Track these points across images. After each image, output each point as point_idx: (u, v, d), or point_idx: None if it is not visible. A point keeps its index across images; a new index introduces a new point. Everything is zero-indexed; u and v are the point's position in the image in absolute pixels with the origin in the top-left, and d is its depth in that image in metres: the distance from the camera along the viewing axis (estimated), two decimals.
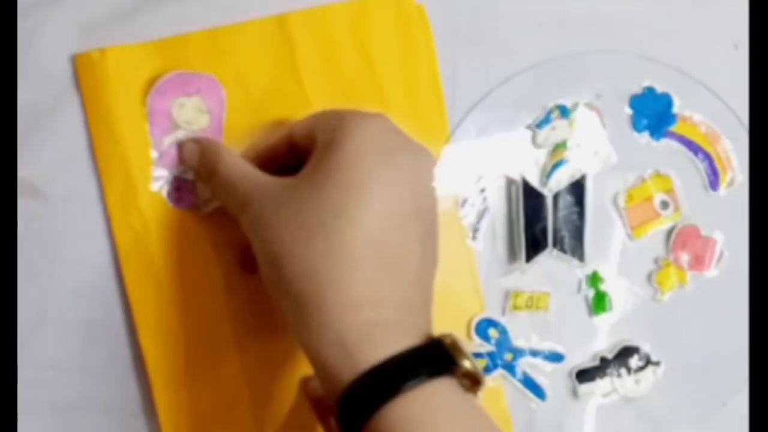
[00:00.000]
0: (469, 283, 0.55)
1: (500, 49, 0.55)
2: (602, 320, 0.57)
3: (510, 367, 0.56)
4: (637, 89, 0.57)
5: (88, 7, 0.50)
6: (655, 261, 0.58)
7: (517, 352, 0.56)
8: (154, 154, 0.51)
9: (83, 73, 0.50)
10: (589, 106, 0.56)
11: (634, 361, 0.57)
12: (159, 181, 0.51)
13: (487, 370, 0.56)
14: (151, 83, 0.51)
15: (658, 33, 0.57)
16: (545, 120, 0.56)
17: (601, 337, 0.57)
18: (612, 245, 0.57)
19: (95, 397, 0.51)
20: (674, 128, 0.57)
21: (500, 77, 0.55)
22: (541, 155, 0.56)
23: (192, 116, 0.51)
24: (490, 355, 0.56)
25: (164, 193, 0.51)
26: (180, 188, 0.51)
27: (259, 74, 0.52)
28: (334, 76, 0.53)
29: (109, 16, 0.51)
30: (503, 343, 0.56)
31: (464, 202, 0.55)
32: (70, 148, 0.51)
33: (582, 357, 0.57)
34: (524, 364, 0.56)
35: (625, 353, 0.57)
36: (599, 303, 0.57)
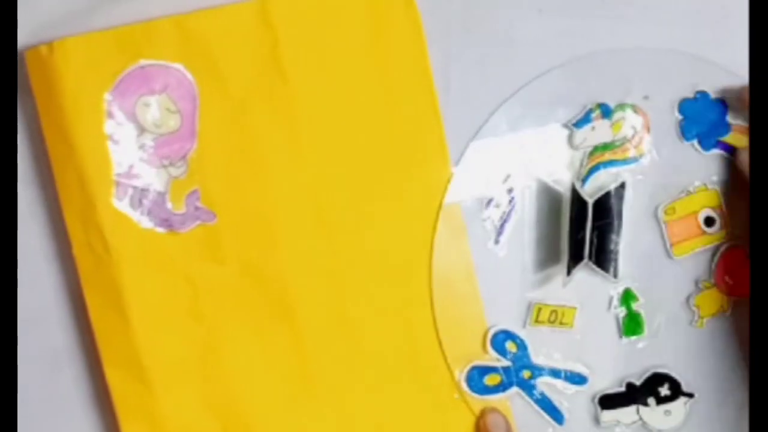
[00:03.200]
0: (467, 289, 0.51)
1: (497, 38, 0.50)
2: (632, 343, 0.52)
3: (527, 386, 0.52)
4: (689, 93, 0.52)
5: (40, 5, 0.45)
6: (696, 282, 0.52)
7: (536, 370, 0.52)
8: (116, 162, 0.45)
9: (33, 72, 0.45)
10: (634, 107, 0.51)
11: (664, 390, 0.52)
12: (122, 195, 0.46)
13: (502, 387, 0.51)
14: (110, 79, 0.45)
15: (712, 32, 0.52)
16: (584, 119, 0.51)
17: (630, 361, 0.52)
18: (649, 262, 0.52)
19: (58, 429, 0.48)
20: (727, 138, 0.52)
21: (497, 68, 0.50)
22: (577, 157, 0.51)
23: (159, 117, 0.46)
24: (506, 370, 0.51)
25: (128, 209, 0.46)
26: (148, 202, 0.46)
27: (237, 68, 0.46)
28: (319, 71, 0.47)
29: (63, 14, 0.45)
30: (521, 358, 0.51)
31: (488, 202, 0.51)
32: (26, 157, 0.46)
33: (607, 381, 0.52)
34: (543, 383, 0.52)
35: (654, 381, 0.52)
36: (630, 324, 0.52)
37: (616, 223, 0.51)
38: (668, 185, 0.52)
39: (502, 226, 0.51)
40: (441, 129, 0.49)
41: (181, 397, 0.48)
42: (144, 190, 0.46)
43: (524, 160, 0.51)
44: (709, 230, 0.52)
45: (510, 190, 0.51)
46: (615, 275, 0.51)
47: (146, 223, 0.46)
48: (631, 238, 0.52)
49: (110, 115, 0.45)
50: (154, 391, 0.47)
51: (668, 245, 0.52)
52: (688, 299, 0.52)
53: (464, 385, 0.51)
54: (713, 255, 0.52)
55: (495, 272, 0.51)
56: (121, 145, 0.46)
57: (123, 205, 0.46)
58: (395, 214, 0.49)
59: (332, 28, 0.48)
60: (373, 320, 0.50)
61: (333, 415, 0.50)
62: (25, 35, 0.45)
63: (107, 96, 0.45)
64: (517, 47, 0.50)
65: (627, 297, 0.52)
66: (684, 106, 0.52)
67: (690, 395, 0.53)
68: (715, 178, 0.52)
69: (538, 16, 0.51)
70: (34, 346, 0.47)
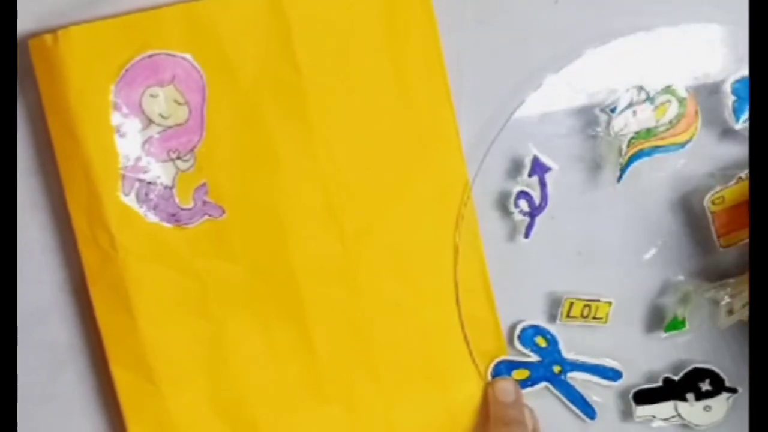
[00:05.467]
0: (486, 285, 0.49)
1: (512, 30, 0.47)
2: (670, 338, 0.50)
3: (557, 380, 0.50)
4: (742, 73, 0.47)
5: None
6: (743, 274, 0.49)
7: (567, 365, 0.50)
8: (122, 155, 0.44)
9: (38, 62, 0.43)
10: (681, 89, 0.47)
11: (705, 386, 0.50)
12: (128, 189, 0.44)
13: (530, 382, 0.50)
14: (117, 70, 0.43)
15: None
16: (626, 104, 0.47)
17: (665, 356, 0.50)
18: (694, 253, 0.49)
19: (62, 429, 0.48)
20: None
21: (512, 60, 0.47)
22: (616, 144, 0.48)
23: (167, 109, 0.44)
24: (534, 366, 0.49)
25: (135, 203, 0.44)
26: (155, 196, 0.45)
27: (247, 59, 0.44)
28: (332, 63, 0.45)
29: (68, 1, 0.43)
30: (552, 353, 0.50)
31: (518, 194, 0.48)
32: (30, 149, 0.45)
33: (643, 377, 0.50)
34: (573, 378, 0.50)
35: (694, 376, 0.50)
36: (673, 318, 0.50)
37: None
38: (716, 172, 0.48)
39: (533, 218, 0.48)
40: (454, 122, 0.47)
41: (188, 395, 0.47)
42: (151, 184, 0.45)
43: (557, 148, 0.48)
44: None
45: (542, 180, 0.48)
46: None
47: (153, 217, 0.45)
48: (677, 229, 0.49)
49: (116, 106, 0.44)
50: (161, 390, 0.47)
51: (715, 236, 0.48)
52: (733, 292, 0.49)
53: (491, 380, 0.50)
54: None
55: (525, 267, 0.49)
56: (127, 138, 0.44)
57: (129, 200, 0.44)
58: (407, 208, 0.47)
59: (345, 19, 0.45)
60: (383, 318, 0.48)
61: (342, 414, 0.49)
62: (29, 23, 0.44)
63: (113, 87, 0.43)
64: (532, 39, 0.47)
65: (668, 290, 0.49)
66: (738, 86, 0.47)
67: (734, 390, 0.50)
68: None
69: (553, 7, 0.47)
70: (37, 343, 0.47)
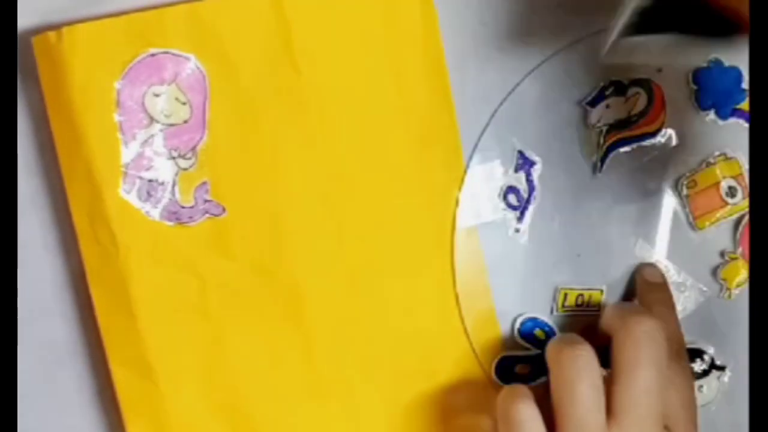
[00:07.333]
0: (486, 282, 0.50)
1: (515, 33, 0.49)
2: None
3: None
4: (702, 62, 0.51)
5: None
6: (721, 254, 0.51)
7: None
8: (124, 153, 0.44)
9: (41, 60, 0.43)
10: (648, 81, 0.50)
11: (696, 366, 0.52)
12: (130, 186, 0.44)
13: (531, 377, 0.50)
14: (120, 68, 0.43)
15: None
16: (598, 97, 0.50)
17: None
18: (673, 236, 0.51)
19: (61, 427, 0.47)
20: (743, 105, 0.51)
21: (514, 63, 0.49)
22: (593, 136, 0.50)
23: (169, 107, 0.44)
24: (534, 358, 0.50)
25: (136, 200, 0.44)
26: (156, 194, 0.45)
27: (249, 59, 0.45)
28: (333, 64, 0.46)
29: (70, 2, 0.44)
30: None
31: (507, 190, 0.50)
32: (34, 146, 0.45)
33: None
34: None
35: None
36: None
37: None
38: (687, 158, 0.51)
39: (522, 213, 0.50)
40: (455, 125, 0.48)
41: (187, 395, 0.46)
42: (152, 182, 0.45)
43: (540, 143, 0.50)
44: (731, 201, 0.51)
45: (528, 175, 0.50)
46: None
47: (154, 215, 0.45)
48: (654, 213, 0.51)
49: (119, 104, 0.44)
50: (161, 388, 0.46)
51: (691, 219, 0.51)
52: (714, 271, 0.52)
53: (494, 377, 0.50)
54: (737, 225, 0.52)
55: (518, 261, 0.50)
56: (129, 136, 0.44)
57: (131, 197, 0.44)
58: (407, 210, 0.48)
59: (346, 21, 0.46)
60: (382, 318, 0.48)
61: (342, 415, 0.48)
62: (32, 21, 0.44)
63: (117, 84, 0.44)
64: (535, 42, 0.49)
65: None
66: (698, 75, 0.51)
67: (722, 368, 0.52)
68: (734, 146, 0.51)
69: (556, 10, 0.49)
70: (36, 340, 0.46)
